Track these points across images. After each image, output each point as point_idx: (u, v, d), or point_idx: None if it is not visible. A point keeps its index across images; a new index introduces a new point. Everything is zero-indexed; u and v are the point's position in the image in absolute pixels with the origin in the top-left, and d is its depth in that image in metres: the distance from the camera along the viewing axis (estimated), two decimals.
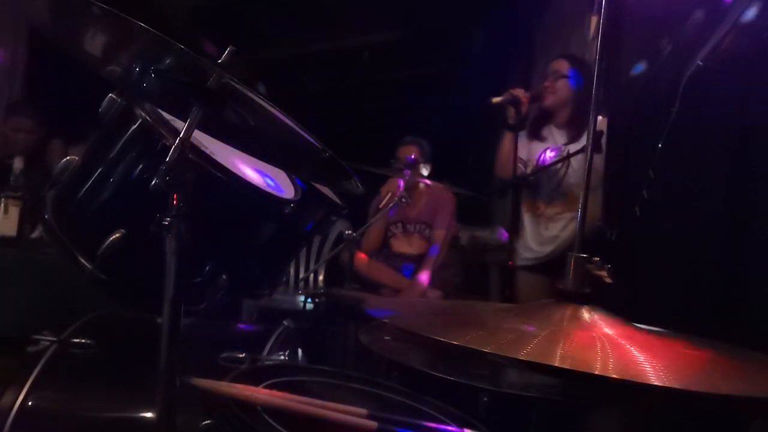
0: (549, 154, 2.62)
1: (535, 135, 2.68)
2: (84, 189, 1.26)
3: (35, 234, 2.50)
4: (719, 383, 0.72)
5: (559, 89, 2.58)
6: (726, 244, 1.41)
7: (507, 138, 2.57)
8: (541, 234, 2.66)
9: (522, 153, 2.58)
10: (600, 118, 2.00)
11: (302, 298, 2.47)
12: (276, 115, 0.96)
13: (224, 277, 1.33)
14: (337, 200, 1.70)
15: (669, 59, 1.70)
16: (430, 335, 0.77)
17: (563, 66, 2.61)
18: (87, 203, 1.28)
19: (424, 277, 3.16)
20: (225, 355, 1.33)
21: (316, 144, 0.99)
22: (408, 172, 2.84)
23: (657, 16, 1.84)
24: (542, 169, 2.59)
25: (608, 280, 0.86)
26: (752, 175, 1.36)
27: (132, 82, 1.10)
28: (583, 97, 2.54)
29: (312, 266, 3.47)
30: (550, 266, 2.57)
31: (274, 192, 1.36)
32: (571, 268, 0.88)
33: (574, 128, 2.57)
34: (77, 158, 1.31)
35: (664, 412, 1.41)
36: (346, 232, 2.38)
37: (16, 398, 1.20)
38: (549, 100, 2.59)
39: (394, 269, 3.24)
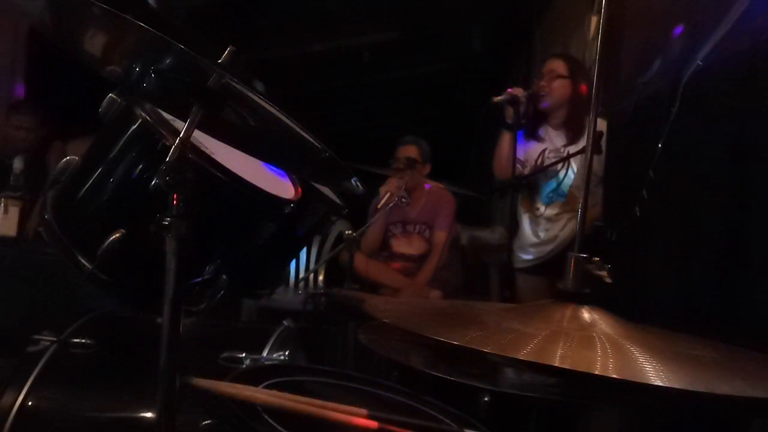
0: (548, 155, 2.61)
1: (532, 135, 2.67)
2: (84, 189, 1.26)
3: (35, 234, 2.49)
4: (719, 383, 0.72)
5: (555, 90, 2.55)
6: (726, 244, 1.41)
7: (505, 138, 2.56)
8: (540, 235, 2.65)
9: (519, 153, 2.57)
10: (599, 120, 1.99)
11: (302, 298, 2.47)
12: (276, 115, 0.96)
13: (224, 277, 1.33)
14: (337, 200, 1.70)
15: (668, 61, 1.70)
16: (430, 335, 0.77)
17: (559, 66, 2.58)
18: (87, 203, 1.28)
19: (423, 277, 3.16)
20: (225, 355, 1.33)
21: (316, 144, 0.99)
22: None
23: (657, 16, 1.84)
24: (540, 170, 2.58)
25: (608, 280, 0.86)
26: (752, 175, 1.36)
27: (132, 82, 1.10)
28: (579, 98, 2.51)
29: (312, 266, 3.47)
30: (549, 267, 2.57)
31: (274, 192, 1.36)
32: (571, 268, 0.88)
33: (572, 130, 2.56)
34: (77, 158, 1.31)
35: (664, 412, 1.40)
36: (346, 232, 2.37)
37: (16, 398, 1.20)
38: (544, 102, 2.57)
39: (393, 269, 3.24)
